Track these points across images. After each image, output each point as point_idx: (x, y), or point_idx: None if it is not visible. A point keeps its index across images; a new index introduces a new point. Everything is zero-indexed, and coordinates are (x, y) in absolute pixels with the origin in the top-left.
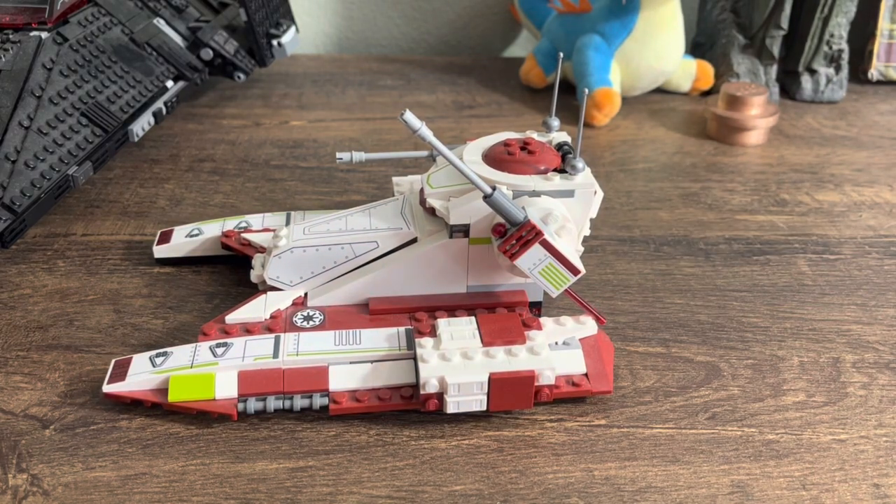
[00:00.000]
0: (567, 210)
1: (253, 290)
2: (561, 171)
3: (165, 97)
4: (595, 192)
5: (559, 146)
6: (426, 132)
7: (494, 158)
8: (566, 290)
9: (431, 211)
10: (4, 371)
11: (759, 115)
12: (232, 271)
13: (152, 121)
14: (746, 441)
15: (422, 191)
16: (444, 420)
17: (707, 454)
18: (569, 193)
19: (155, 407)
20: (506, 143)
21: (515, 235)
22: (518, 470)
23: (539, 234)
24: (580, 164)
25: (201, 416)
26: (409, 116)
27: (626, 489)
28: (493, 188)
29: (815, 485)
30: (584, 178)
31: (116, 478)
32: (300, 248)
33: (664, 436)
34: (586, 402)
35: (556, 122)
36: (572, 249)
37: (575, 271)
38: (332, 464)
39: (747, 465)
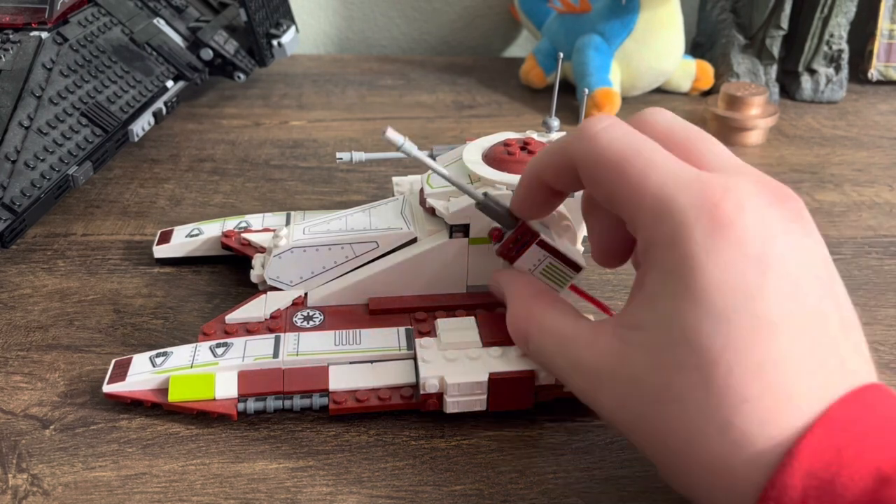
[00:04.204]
0: (567, 210)
1: (253, 290)
2: None
3: (165, 97)
4: None
5: None
6: (410, 147)
7: (494, 158)
8: (571, 286)
9: (431, 211)
10: (4, 371)
11: (759, 116)
12: (232, 271)
13: (152, 121)
14: None
15: (422, 191)
16: (444, 420)
17: None
18: None
19: (155, 407)
20: (506, 143)
21: (511, 238)
22: (518, 470)
23: (535, 234)
24: None
25: (201, 416)
26: (391, 133)
27: (626, 489)
28: (484, 194)
29: None
30: None
31: (116, 478)
32: (300, 248)
33: None
34: None
35: (556, 122)
36: (572, 246)
37: (577, 268)
38: (332, 464)
39: None
